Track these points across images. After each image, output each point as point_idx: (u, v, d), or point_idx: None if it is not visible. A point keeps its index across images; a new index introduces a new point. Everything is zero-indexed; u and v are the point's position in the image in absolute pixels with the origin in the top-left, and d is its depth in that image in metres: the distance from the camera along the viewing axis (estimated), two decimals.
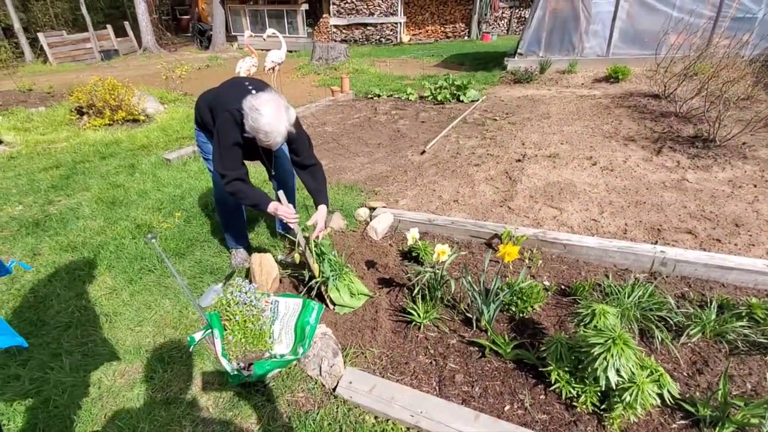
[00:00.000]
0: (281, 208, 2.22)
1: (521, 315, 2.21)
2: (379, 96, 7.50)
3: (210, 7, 18.39)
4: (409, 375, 1.91)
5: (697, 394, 1.77)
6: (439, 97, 6.93)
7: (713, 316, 2.05)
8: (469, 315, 2.19)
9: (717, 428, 1.59)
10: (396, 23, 17.29)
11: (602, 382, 1.55)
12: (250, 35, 6.60)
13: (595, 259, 2.61)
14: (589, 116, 5.43)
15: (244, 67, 6.48)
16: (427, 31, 17.98)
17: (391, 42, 17.54)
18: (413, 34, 17.96)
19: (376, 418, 1.73)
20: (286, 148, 2.55)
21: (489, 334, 2.02)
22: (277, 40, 6.78)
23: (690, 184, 3.49)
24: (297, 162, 2.45)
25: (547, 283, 2.48)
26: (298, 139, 2.32)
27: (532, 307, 2.22)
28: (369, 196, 3.63)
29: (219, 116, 2.13)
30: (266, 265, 2.36)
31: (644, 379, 1.54)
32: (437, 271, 2.23)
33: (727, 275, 2.35)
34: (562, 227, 3.02)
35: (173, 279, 2.65)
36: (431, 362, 1.98)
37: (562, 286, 2.45)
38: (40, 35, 14.76)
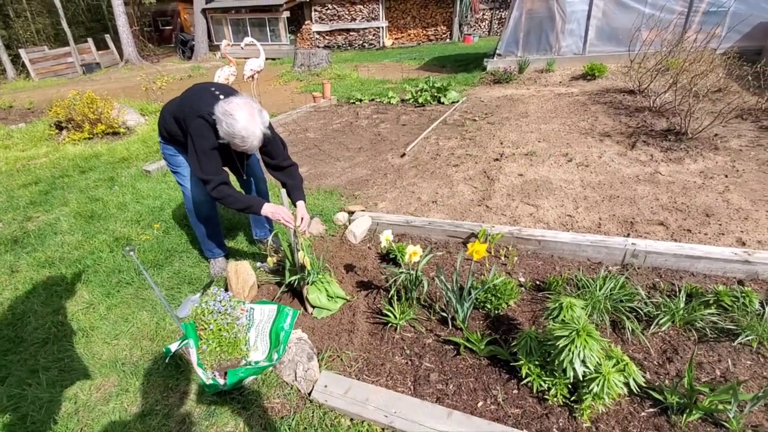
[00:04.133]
0: (280, 210, 2.20)
1: (496, 312, 2.24)
2: (361, 101, 7.53)
3: (192, 17, 18.33)
4: (384, 376, 1.92)
5: (666, 382, 1.81)
6: (420, 100, 6.99)
7: (682, 305, 2.09)
8: (445, 314, 2.21)
9: (684, 415, 1.63)
10: (378, 28, 17.41)
11: (570, 374, 1.58)
12: (228, 44, 6.60)
13: (570, 254, 2.65)
14: (566, 114, 5.51)
15: (223, 76, 6.48)
16: (409, 35, 18.12)
17: (374, 46, 17.64)
18: (396, 38, 18.08)
19: (351, 420, 1.74)
20: (257, 152, 2.55)
21: (464, 332, 2.04)
22: (256, 49, 6.78)
23: (663, 176, 3.56)
24: (273, 165, 2.43)
25: (522, 279, 2.51)
26: (272, 141, 2.31)
27: (506, 303, 2.25)
28: (349, 200, 3.65)
29: (191, 122, 2.11)
30: (242, 273, 2.37)
31: (610, 369, 1.57)
32: (411, 272, 2.25)
33: (696, 264, 2.40)
34: (539, 224, 3.07)
35: (151, 291, 2.63)
36: (407, 362, 1.99)
37: (538, 282, 2.48)
38: (22, 51, 14.59)
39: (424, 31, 18.04)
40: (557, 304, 1.76)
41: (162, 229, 3.36)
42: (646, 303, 2.16)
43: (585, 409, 1.64)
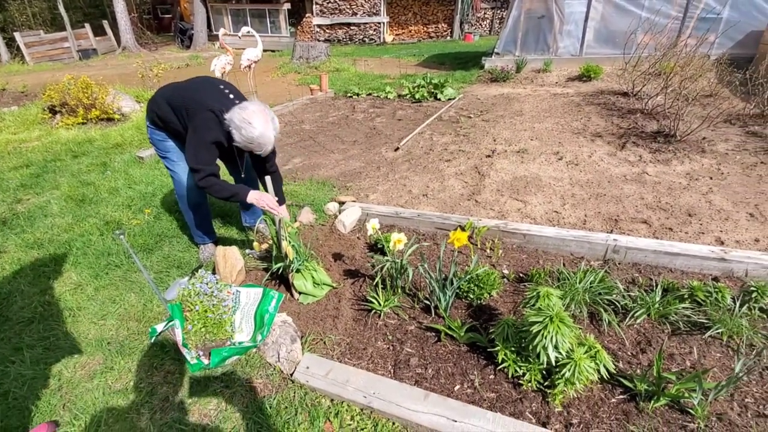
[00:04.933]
0: (265, 197, 2.28)
1: (479, 302, 2.29)
2: (358, 95, 7.55)
3: (192, 6, 18.20)
4: (366, 359, 1.97)
5: (638, 371, 1.87)
6: (417, 96, 7.02)
7: (658, 299, 2.15)
8: (428, 303, 2.25)
9: (652, 402, 1.68)
10: (379, 23, 17.37)
11: (543, 359, 1.63)
12: (225, 33, 6.59)
13: (553, 248, 2.70)
14: (560, 113, 5.57)
15: (219, 65, 6.47)
16: (410, 31, 18.10)
17: (375, 42, 17.61)
18: (396, 34, 18.06)
19: (332, 400, 1.78)
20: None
21: (445, 320, 2.09)
22: (253, 39, 6.77)
23: (649, 177, 3.62)
24: (264, 168, 2.58)
25: (506, 271, 2.56)
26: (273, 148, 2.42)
27: (489, 293, 2.30)
28: (341, 191, 3.68)
29: (199, 114, 2.17)
30: (230, 258, 2.40)
31: (581, 356, 1.62)
32: (397, 260, 2.29)
33: (675, 261, 2.46)
34: (526, 219, 3.12)
35: (139, 274, 2.66)
36: (389, 347, 2.04)
37: (521, 274, 2.54)
38: (17, 35, 14.42)
39: (425, 28, 18.03)
40: (535, 293, 1.81)
41: (153, 214, 3.38)
42: (623, 296, 2.21)
43: (557, 394, 1.69)
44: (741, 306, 2.09)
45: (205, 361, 1.90)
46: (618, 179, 3.61)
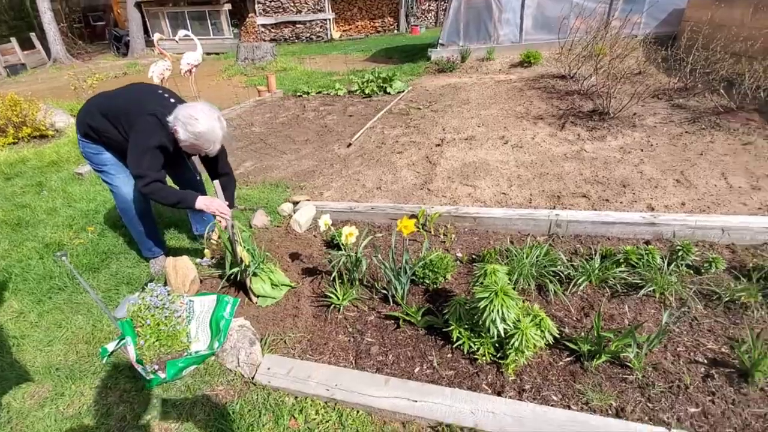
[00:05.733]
0: (215, 202, 2.23)
1: (434, 286, 2.36)
2: (307, 93, 7.48)
3: (126, 12, 17.26)
4: (327, 354, 1.99)
5: (583, 334, 2.00)
6: (367, 91, 7.04)
7: (597, 266, 2.31)
8: (385, 292, 2.30)
9: (594, 360, 1.82)
10: (325, 20, 17.20)
11: (493, 332, 1.72)
12: (161, 38, 6.33)
13: (502, 228, 2.83)
14: (504, 99, 5.78)
15: (158, 72, 6.20)
16: (357, 27, 18.05)
17: (322, 39, 17.43)
18: (343, 30, 17.96)
19: (295, 398, 1.80)
20: (197, 160, 2.59)
21: (403, 307, 2.14)
22: (192, 42, 6.54)
23: (587, 153, 3.85)
24: (215, 170, 2.53)
25: (459, 254, 2.66)
26: (222, 149, 2.39)
27: (443, 277, 2.38)
28: (295, 191, 3.66)
29: (140, 119, 2.11)
30: (181, 268, 2.34)
31: (527, 325, 1.72)
32: (351, 254, 2.32)
33: (611, 229, 2.64)
34: (476, 202, 3.23)
35: (86, 295, 2.54)
36: (350, 339, 2.07)
37: (474, 256, 2.64)
38: None
39: (372, 23, 18.03)
40: (482, 271, 1.90)
41: (97, 231, 3.23)
42: (567, 267, 2.36)
43: (509, 363, 1.79)
44: (669, 264, 2.29)
45: (162, 375, 1.86)
46: (559, 158, 3.81)
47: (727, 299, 2.08)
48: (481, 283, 1.85)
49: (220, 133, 2.13)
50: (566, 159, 3.78)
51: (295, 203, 3.28)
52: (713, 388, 1.69)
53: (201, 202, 2.21)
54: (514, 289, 2.25)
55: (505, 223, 2.81)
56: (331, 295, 2.28)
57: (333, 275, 2.39)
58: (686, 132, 4.09)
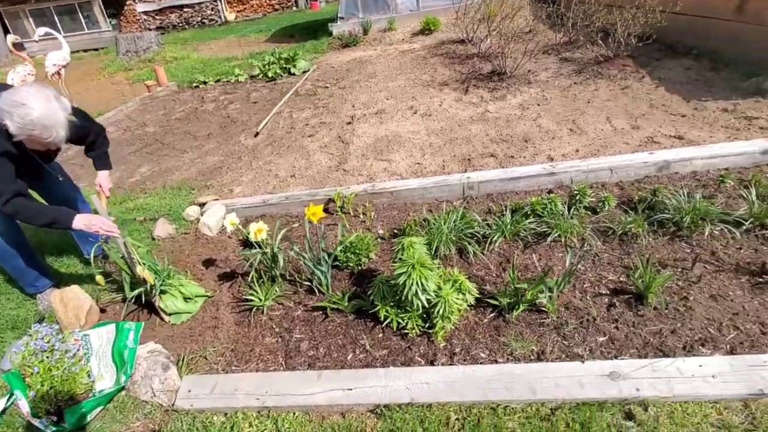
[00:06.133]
0: (97, 219, 1.91)
1: (359, 268, 2.32)
2: (205, 83, 6.89)
3: None
4: (255, 360, 1.87)
5: (502, 288, 2.09)
6: (270, 74, 6.66)
7: (509, 221, 2.42)
8: (310, 283, 2.21)
9: (514, 311, 1.91)
10: (215, 0, 15.89)
11: (417, 304, 1.72)
12: (15, 40, 5.38)
13: (419, 198, 2.85)
14: (410, 69, 5.79)
15: (18, 78, 5.29)
16: (252, 6, 16.94)
17: (216, 22, 16.15)
18: (238, 11, 16.76)
19: (225, 415, 1.67)
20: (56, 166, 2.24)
21: (328, 295, 2.08)
22: (56, 40, 5.65)
23: (491, 114, 3.99)
24: (87, 145, 2.30)
25: (381, 231, 2.63)
26: (81, 127, 2.08)
27: (367, 257, 2.35)
28: (201, 192, 3.37)
29: None
30: (71, 300, 2.04)
31: (449, 291, 1.75)
32: (266, 250, 2.19)
33: (518, 184, 2.77)
34: (393, 176, 3.22)
35: None
36: (277, 340, 1.97)
37: (395, 231, 2.63)
38: None
39: (269, 1, 17.03)
40: (400, 245, 1.88)
41: None
42: (482, 227, 2.43)
43: (438, 331, 1.82)
44: (570, 209, 2.46)
45: (64, 425, 1.62)
46: (466, 121, 3.91)
47: (620, 232, 2.28)
48: (400, 258, 1.83)
49: (62, 114, 1.78)
50: (473, 122, 3.89)
51: (202, 205, 3.02)
52: (616, 315, 1.85)
53: (79, 222, 1.91)
54: (435, 256, 2.30)
55: (421, 193, 2.83)
56: (253, 298, 2.14)
57: (250, 276, 2.24)
58: (574, 83, 4.40)
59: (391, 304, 1.86)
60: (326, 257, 2.08)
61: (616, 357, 1.68)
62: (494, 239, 2.34)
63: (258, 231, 1.94)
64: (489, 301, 1.96)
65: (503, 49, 4.64)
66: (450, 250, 2.33)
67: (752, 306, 1.81)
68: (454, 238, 2.37)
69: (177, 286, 2.16)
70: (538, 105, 4.04)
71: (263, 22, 14.90)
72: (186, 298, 2.17)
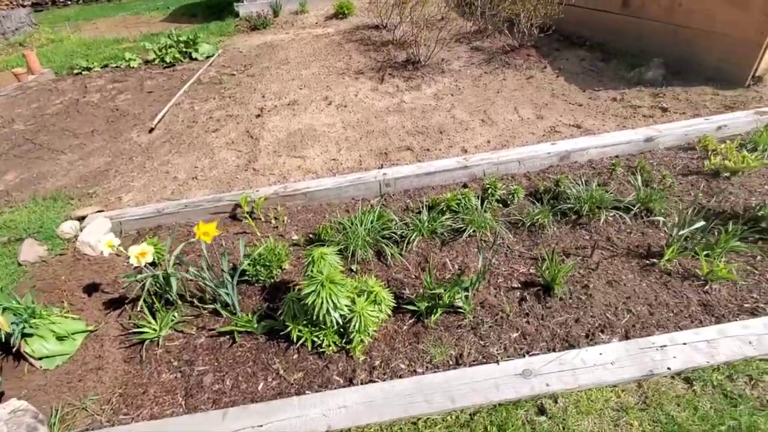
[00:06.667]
0: None
1: (272, 280, 2.14)
2: (89, 69, 6.00)
3: None
4: (149, 404, 1.64)
5: (421, 291, 2.05)
6: (168, 59, 5.98)
7: (426, 219, 2.38)
8: (215, 305, 1.99)
9: (432, 316, 1.88)
10: None
11: (330, 323, 1.61)
12: None
13: (335, 198, 2.71)
14: (324, 55, 5.53)
15: None
16: None
17: None
18: None
19: None
20: None
21: (234, 318, 1.88)
22: None
23: (407, 104, 3.94)
24: None
25: (295, 236, 2.46)
26: None
27: (280, 268, 2.17)
28: (81, 202, 2.90)
29: None
30: None
31: (363, 304, 1.65)
32: (158, 272, 1.92)
33: (433, 179, 2.76)
34: (308, 175, 3.03)
35: None
36: (176, 376, 1.74)
37: (311, 235, 2.47)
38: None
39: None
40: (310, 258, 1.74)
41: None
42: (400, 226, 2.37)
43: (356, 346, 1.73)
44: (483, 203, 2.49)
45: None
46: (382, 113, 3.82)
47: (529, 224, 2.36)
48: (310, 274, 1.69)
49: None
50: (389, 113, 3.81)
51: (82, 219, 2.60)
52: (527, 309, 1.91)
53: None
54: (353, 261, 2.20)
55: (337, 193, 2.70)
56: (145, 328, 1.87)
57: (140, 304, 1.95)
58: (485, 72, 4.51)
59: (305, 322, 1.72)
60: (229, 278, 1.87)
61: (528, 353, 1.72)
62: (412, 239, 2.30)
63: (141, 254, 1.67)
64: (408, 307, 1.91)
65: (416, 38, 4.59)
66: (368, 254, 2.24)
67: (641, 288, 1.96)
68: (371, 241, 2.28)
69: (47, 325, 1.82)
70: (452, 95, 4.07)
71: None
72: (60, 338, 1.84)
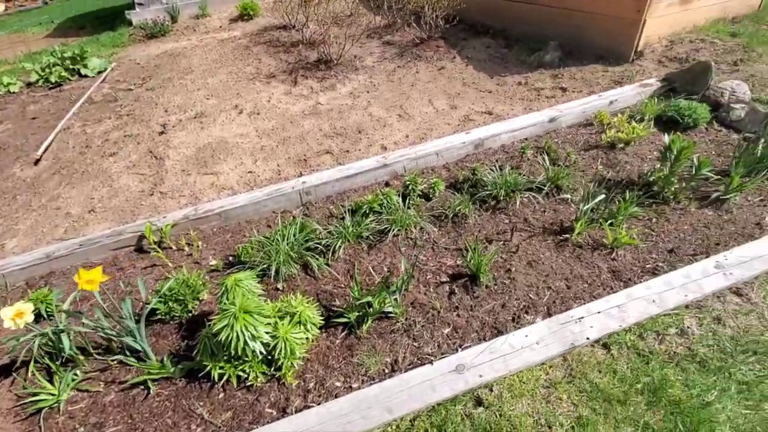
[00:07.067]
0: None
1: (189, 315, 1.97)
2: None
3: None
4: None
5: (351, 299, 1.99)
6: (53, 79, 5.32)
7: (349, 225, 2.32)
8: (125, 355, 1.78)
9: (364, 325, 1.83)
10: None
11: (252, 355, 1.50)
12: None
13: (254, 214, 2.56)
14: (231, 61, 5.23)
15: None
16: None
17: None
18: (8, 1, 13.08)
19: None
20: None
21: (145, 366, 1.69)
22: None
23: (323, 106, 3.84)
24: None
25: (213, 262, 2.29)
26: None
27: (197, 300, 2.00)
28: None
29: None
30: None
31: (287, 328, 1.56)
32: (45, 329, 1.68)
33: (355, 181, 2.70)
34: (223, 192, 2.84)
35: None
36: None
37: (231, 257, 2.31)
38: None
39: None
40: (223, 287, 1.61)
41: None
42: (324, 235, 2.29)
43: (286, 371, 1.63)
44: (405, 199, 2.48)
45: None
46: (298, 117, 3.69)
47: (452, 215, 2.39)
48: (224, 303, 1.57)
49: None
50: (305, 116, 3.68)
51: None
52: (456, 302, 1.92)
53: None
54: (277, 277, 2.08)
55: (255, 209, 2.55)
56: (41, 395, 1.63)
57: (30, 368, 1.70)
58: (398, 67, 4.52)
59: (226, 357, 1.59)
60: (133, 323, 1.67)
61: (460, 346, 1.73)
62: (337, 247, 2.23)
63: (17, 315, 1.44)
64: (338, 320, 1.85)
65: (325, 36, 4.48)
66: (293, 269, 2.13)
67: (558, 264, 2.06)
68: (295, 255, 2.18)
69: None
70: (368, 92, 4.03)
71: (44, 12, 11.95)
72: None
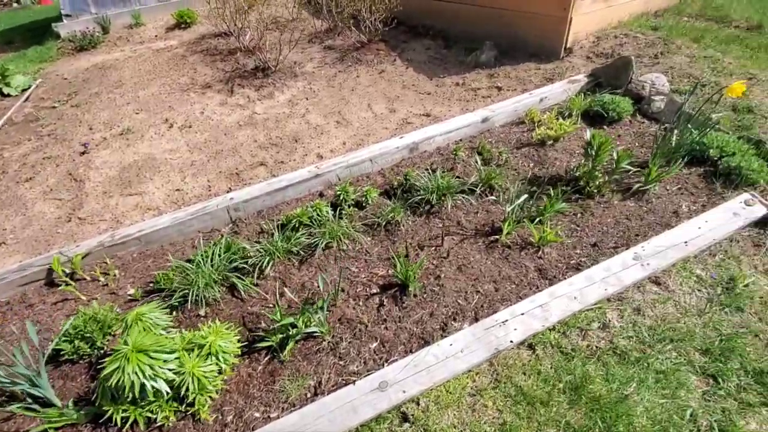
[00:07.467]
0: None
1: (101, 351, 1.82)
2: None
3: None
4: None
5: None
6: None
7: (279, 241, 2.23)
8: (25, 403, 1.63)
9: (286, 348, 1.74)
10: None
11: (157, 395, 1.39)
12: None
13: (178, 235, 2.42)
14: (165, 71, 5.00)
15: None
16: None
17: None
18: None
19: None
20: None
21: (46, 413, 1.55)
22: None
23: (259, 116, 3.72)
24: None
25: (131, 291, 2.14)
26: None
27: (109, 335, 1.86)
28: None
29: None
30: None
31: (194, 363, 1.46)
32: None
33: (286, 193, 2.61)
34: (148, 212, 2.68)
35: None
36: None
37: (150, 284, 2.17)
38: None
39: None
40: (124, 324, 1.49)
41: None
42: (251, 253, 2.18)
43: (200, 407, 1.53)
44: (337, 209, 2.42)
45: None
46: (233, 128, 3.55)
47: (384, 223, 2.34)
48: (120, 341, 1.45)
49: None
50: (240, 127, 3.55)
51: None
52: (385, 314, 1.88)
53: None
54: (198, 303, 1.97)
55: (179, 230, 2.41)
56: None
57: None
58: (339, 71, 4.45)
59: (129, 398, 1.47)
60: (26, 371, 1.52)
61: (386, 360, 1.68)
62: (265, 264, 2.13)
63: None
64: (261, 345, 1.76)
65: (260, 42, 4.36)
66: (216, 293, 2.02)
67: (487, 267, 2.05)
68: (219, 277, 2.07)
69: None
70: (307, 99, 3.94)
71: None
72: None
